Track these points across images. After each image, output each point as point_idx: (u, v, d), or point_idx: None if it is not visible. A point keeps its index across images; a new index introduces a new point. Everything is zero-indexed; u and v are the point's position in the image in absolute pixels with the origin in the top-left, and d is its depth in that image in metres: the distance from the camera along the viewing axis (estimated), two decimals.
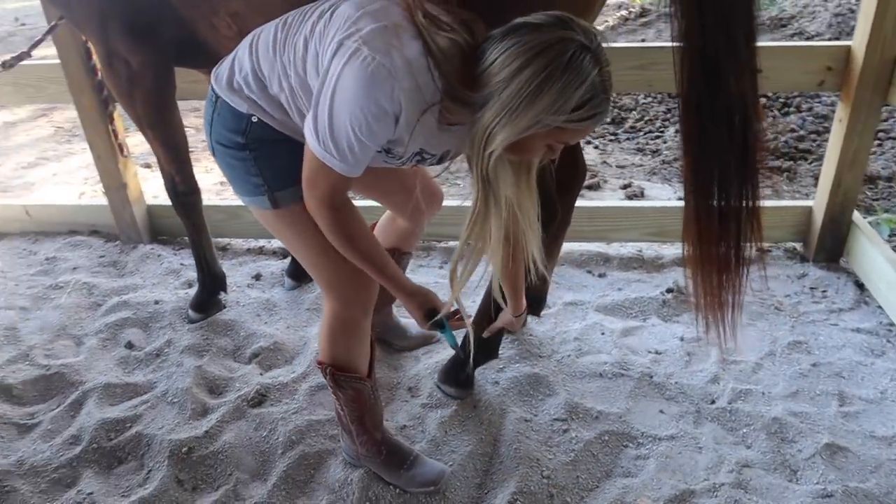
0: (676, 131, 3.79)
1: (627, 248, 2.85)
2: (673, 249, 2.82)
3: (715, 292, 1.80)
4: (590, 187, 3.35)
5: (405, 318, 2.41)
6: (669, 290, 2.53)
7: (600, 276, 2.70)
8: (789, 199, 3.20)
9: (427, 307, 1.62)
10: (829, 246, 2.62)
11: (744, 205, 1.71)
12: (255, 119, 1.47)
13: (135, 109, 2.21)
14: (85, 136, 2.80)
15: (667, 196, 3.26)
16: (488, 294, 2.00)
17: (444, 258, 2.84)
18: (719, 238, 1.74)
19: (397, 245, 2.10)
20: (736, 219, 1.72)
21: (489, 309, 1.95)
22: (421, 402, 2.15)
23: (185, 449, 2.04)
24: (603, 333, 2.37)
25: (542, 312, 2.46)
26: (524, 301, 1.86)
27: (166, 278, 2.83)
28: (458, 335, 1.85)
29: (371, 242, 1.50)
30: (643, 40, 4.75)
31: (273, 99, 1.46)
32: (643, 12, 5.06)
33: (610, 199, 3.28)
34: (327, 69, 1.30)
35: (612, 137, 3.83)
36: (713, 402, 2.09)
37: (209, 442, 2.06)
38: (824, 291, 2.53)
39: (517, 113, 1.21)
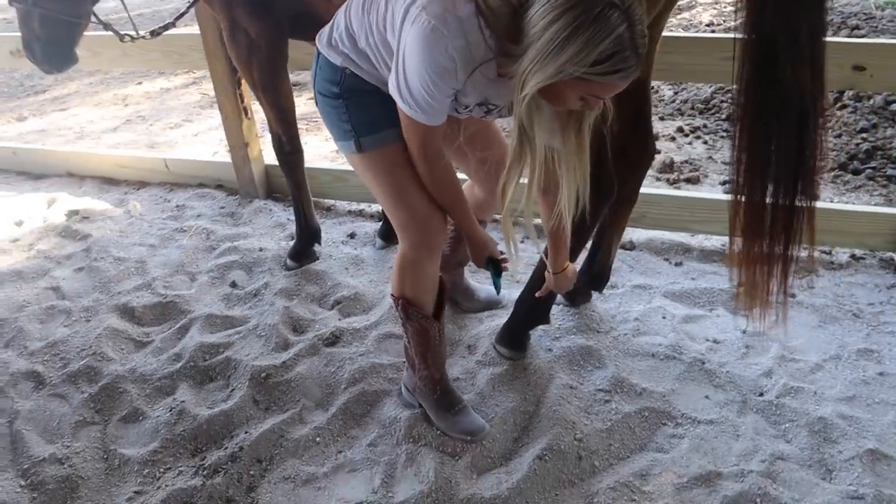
0: None
1: (711, 241, 2.83)
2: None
3: (759, 292, 1.80)
4: (689, 180, 3.33)
5: (477, 281, 2.57)
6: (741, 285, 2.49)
7: (677, 264, 2.71)
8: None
9: (487, 254, 1.89)
10: None
11: (795, 204, 1.70)
12: (348, 71, 1.69)
13: (251, 75, 2.50)
14: (216, 99, 3.17)
15: None
16: (541, 262, 2.11)
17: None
18: (765, 235, 1.73)
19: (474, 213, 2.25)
20: (785, 218, 1.71)
21: (541, 274, 2.07)
22: (476, 359, 2.30)
23: (263, 374, 2.31)
24: (664, 317, 2.40)
25: (608, 291, 2.52)
26: (566, 260, 1.98)
27: (273, 230, 3.15)
28: (510, 287, 2.09)
29: (456, 192, 1.77)
30: None
31: (362, 52, 1.67)
32: None
33: (706, 192, 3.24)
34: (400, 33, 1.52)
35: (725, 134, 3.74)
36: (761, 394, 2.08)
37: (285, 371, 2.33)
38: None
39: (546, 60, 1.34)
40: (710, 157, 3.55)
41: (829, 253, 2.69)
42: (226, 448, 2.10)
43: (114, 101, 5.02)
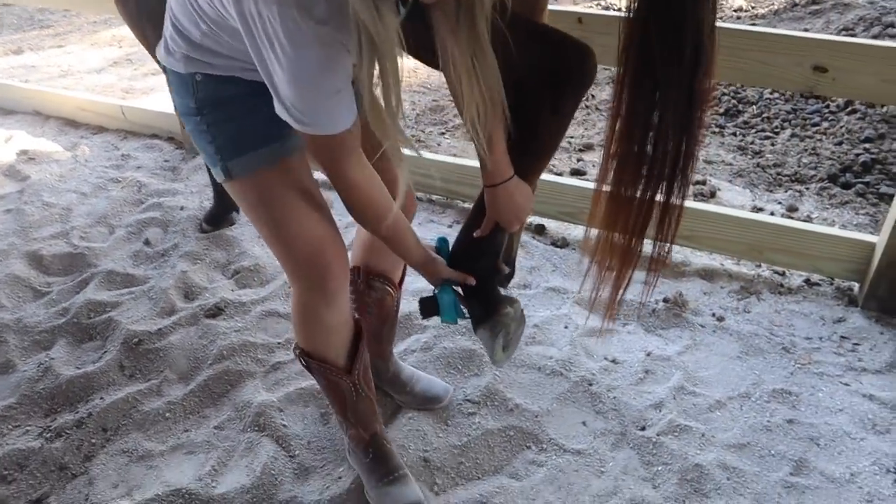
0: (792, 135, 3.29)
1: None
2: (702, 259, 2.48)
3: (616, 241, 1.59)
4: None
5: (415, 363, 2.07)
6: (666, 300, 2.23)
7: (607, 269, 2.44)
8: (856, 228, 2.64)
9: (436, 278, 1.56)
10: (884, 294, 2.14)
11: (676, 151, 1.41)
12: (198, 76, 1.32)
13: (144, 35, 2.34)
14: None
15: (741, 203, 2.85)
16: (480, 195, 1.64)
17: (458, 217, 2.73)
18: (637, 185, 1.46)
19: (366, 261, 1.78)
20: (662, 166, 1.43)
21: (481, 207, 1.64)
22: None
23: (136, 340, 2.20)
24: (566, 327, 2.16)
25: (517, 291, 2.30)
26: (508, 167, 1.49)
27: (206, 189, 3.02)
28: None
29: (387, 213, 1.35)
30: (806, 30, 4.13)
31: (201, 47, 1.30)
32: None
33: None
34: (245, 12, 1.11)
35: (717, 129, 3.40)
36: (643, 428, 1.83)
37: (158, 339, 2.21)
38: (856, 344, 2.08)
39: None
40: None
41: (783, 274, 2.38)
42: (77, 412, 2.02)
43: (109, 42, 4.97)
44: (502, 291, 1.66)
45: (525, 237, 2.58)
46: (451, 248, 1.65)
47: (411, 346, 2.11)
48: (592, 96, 3.81)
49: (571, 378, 1.97)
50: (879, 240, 2.13)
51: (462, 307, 1.61)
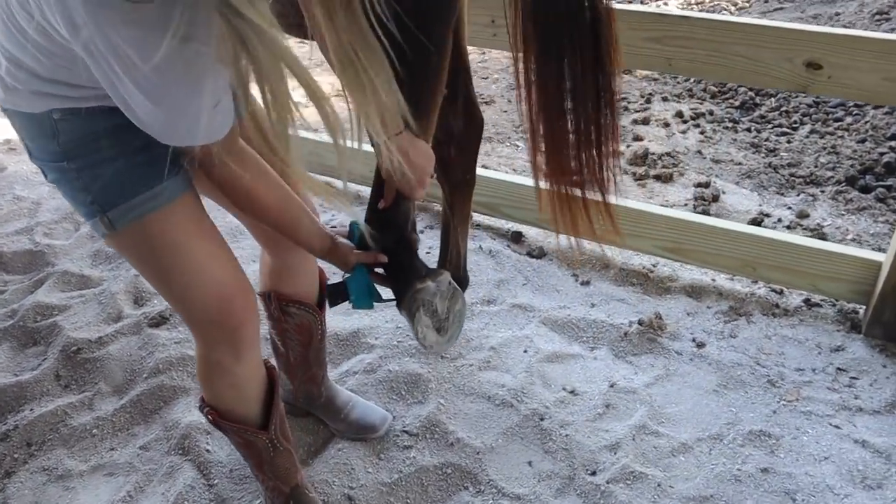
0: (811, 131, 2.98)
1: (643, 259, 2.32)
2: (691, 273, 2.24)
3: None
4: (659, 177, 2.78)
5: (350, 386, 1.90)
6: (640, 322, 2.01)
7: (583, 283, 2.23)
8: (871, 238, 2.35)
9: (346, 263, 1.40)
10: (890, 320, 1.88)
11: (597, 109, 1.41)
12: (56, 115, 1.08)
13: None
14: None
15: (746, 208, 2.59)
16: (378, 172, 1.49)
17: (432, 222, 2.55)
18: (567, 142, 1.45)
19: (276, 287, 1.59)
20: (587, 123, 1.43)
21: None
22: None
23: (75, 348, 2.10)
24: (526, 351, 1.96)
25: (480, 308, 2.11)
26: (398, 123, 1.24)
27: None
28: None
29: (276, 195, 1.25)
30: (838, 14, 3.77)
31: (52, 80, 1.05)
32: None
33: (674, 194, 2.69)
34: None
35: (730, 125, 3.12)
36: (594, 472, 1.63)
37: (98, 347, 2.10)
38: (854, 378, 1.83)
39: None
40: (699, 152, 2.96)
41: (780, 293, 2.13)
42: (6, 423, 1.93)
43: None
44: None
45: (498, 245, 2.38)
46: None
47: (353, 368, 1.95)
48: None
49: (522, 411, 1.78)
50: (886, 258, 1.87)
51: (378, 291, 1.43)
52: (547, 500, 1.58)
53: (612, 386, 1.84)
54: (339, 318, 2.14)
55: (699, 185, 2.71)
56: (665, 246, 2.20)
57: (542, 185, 1.55)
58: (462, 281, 1.99)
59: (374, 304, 1.43)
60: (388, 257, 1.38)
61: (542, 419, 1.76)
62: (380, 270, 1.44)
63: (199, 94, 0.95)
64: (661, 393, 1.82)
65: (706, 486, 1.58)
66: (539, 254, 2.34)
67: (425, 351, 1.43)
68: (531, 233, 2.45)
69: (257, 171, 1.22)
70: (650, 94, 3.43)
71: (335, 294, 1.40)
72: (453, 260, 1.93)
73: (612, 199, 1.52)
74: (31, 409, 1.95)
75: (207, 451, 1.77)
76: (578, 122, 1.43)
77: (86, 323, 2.21)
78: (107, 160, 1.11)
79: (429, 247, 2.39)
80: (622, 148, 3.00)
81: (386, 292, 1.42)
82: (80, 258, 2.53)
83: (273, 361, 1.54)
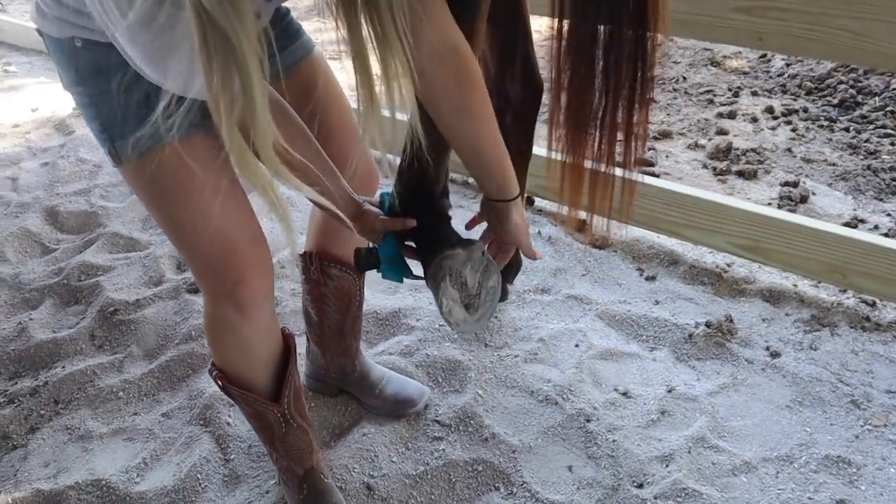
0: None
1: (717, 258, 2.10)
2: (770, 277, 2.01)
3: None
4: (742, 173, 2.54)
5: (386, 362, 1.78)
6: (708, 325, 1.80)
7: (648, 278, 2.03)
8: None
9: (372, 230, 1.25)
10: None
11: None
12: (77, 42, 1.08)
13: None
14: None
15: (838, 212, 2.32)
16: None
17: None
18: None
19: (321, 245, 1.52)
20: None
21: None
22: None
23: (112, 309, 2.06)
24: (577, 346, 1.79)
25: (533, 296, 1.95)
26: (509, 185, 1.23)
27: None
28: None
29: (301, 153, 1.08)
30: None
31: (69, 7, 1.06)
32: None
33: (757, 192, 2.45)
34: None
35: (826, 123, 2.84)
36: (640, 485, 1.45)
37: (134, 310, 2.06)
38: None
39: None
40: (789, 150, 2.70)
41: (872, 305, 1.88)
42: (37, 379, 1.90)
43: None
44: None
45: (559, 232, 2.21)
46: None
47: (390, 349, 1.82)
48: (684, 78, 3.32)
49: (567, 409, 1.61)
50: None
51: (409, 266, 1.29)
52: None
53: (670, 391, 1.65)
54: (380, 297, 2.02)
55: (786, 183, 2.46)
56: (742, 244, 1.98)
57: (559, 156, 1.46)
58: (513, 265, 1.84)
59: (404, 279, 1.30)
60: (418, 224, 1.24)
61: (588, 420, 1.59)
62: (411, 245, 1.30)
63: (177, 53, 0.87)
64: (725, 403, 1.61)
65: None
66: (603, 244, 2.16)
67: (452, 330, 1.27)
68: (596, 223, 2.26)
69: (286, 122, 1.11)
70: (738, 87, 3.17)
71: (365, 259, 1.27)
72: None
73: (634, 176, 1.43)
74: (63, 367, 1.91)
75: (228, 423, 1.68)
76: (607, 83, 1.32)
77: (127, 285, 2.18)
78: (117, 92, 1.06)
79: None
80: (703, 141, 2.78)
81: (417, 268, 1.28)
82: (131, 221, 2.51)
83: (295, 342, 1.41)
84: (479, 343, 1.81)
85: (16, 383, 1.90)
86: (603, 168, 1.49)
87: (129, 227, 2.47)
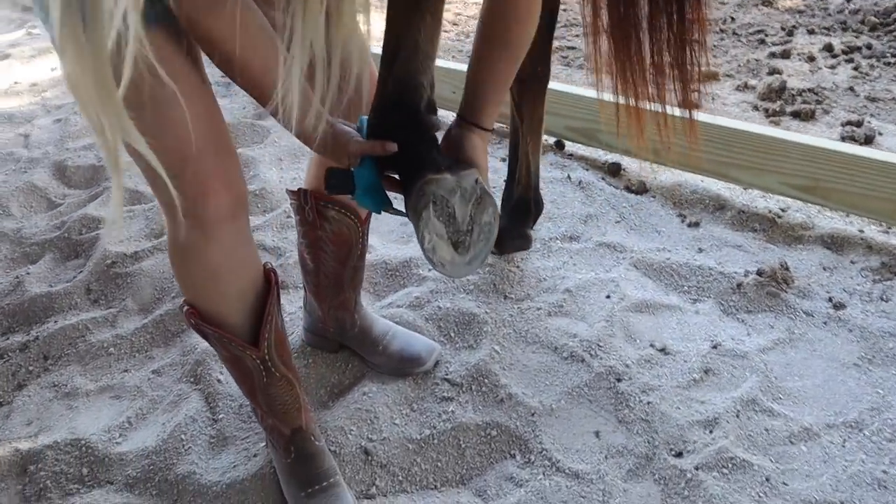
0: None
1: (769, 202, 1.86)
2: (831, 221, 1.76)
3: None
4: (797, 114, 2.27)
5: (392, 316, 1.59)
6: (760, 273, 1.57)
7: (691, 225, 1.81)
8: None
9: (347, 154, 1.07)
10: None
11: None
12: None
13: None
14: None
15: None
16: None
17: None
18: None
19: (317, 184, 1.33)
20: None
21: None
22: None
23: (109, 261, 1.94)
24: (608, 297, 1.58)
25: (560, 244, 1.74)
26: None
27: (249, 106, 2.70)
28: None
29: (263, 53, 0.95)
30: None
31: None
32: None
33: (815, 133, 2.18)
34: None
35: (893, 60, 2.53)
36: (679, 454, 1.25)
37: (132, 262, 1.94)
38: None
39: None
40: (851, 89, 2.41)
41: None
42: (28, 334, 1.79)
43: None
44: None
45: (591, 177, 1.99)
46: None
47: (398, 301, 1.65)
48: (732, 18, 3.03)
49: (595, 367, 1.41)
50: None
51: (390, 198, 1.09)
52: (613, 482, 1.22)
53: (715, 347, 1.43)
54: (391, 247, 1.84)
55: (849, 123, 2.19)
56: (798, 184, 1.73)
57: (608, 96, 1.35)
58: (532, 205, 1.64)
59: (383, 211, 1.10)
60: (400, 147, 1.05)
61: (619, 380, 1.39)
62: (395, 178, 1.11)
63: None
64: (780, 361, 1.39)
65: (834, 489, 1.16)
66: (640, 189, 1.94)
67: (437, 271, 1.05)
68: (634, 166, 2.04)
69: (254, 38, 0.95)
70: (793, 26, 2.88)
71: (337, 180, 1.07)
72: (522, 179, 1.58)
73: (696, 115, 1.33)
74: (56, 322, 1.79)
75: (219, 381, 1.53)
76: (650, 23, 1.25)
77: (127, 238, 2.05)
78: None
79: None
80: (753, 82, 2.51)
81: (401, 202, 1.09)
82: (139, 174, 2.36)
83: (277, 278, 1.24)
84: (497, 294, 1.63)
85: (7, 338, 1.79)
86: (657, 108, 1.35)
87: (136, 180, 2.34)
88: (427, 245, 0.97)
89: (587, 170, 2.03)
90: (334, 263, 1.40)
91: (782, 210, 1.82)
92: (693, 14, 1.24)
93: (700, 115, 1.92)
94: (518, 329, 1.53)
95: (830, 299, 1.52)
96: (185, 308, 1.15)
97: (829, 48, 2.64)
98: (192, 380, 1.56)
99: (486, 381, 1.42)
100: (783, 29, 2.86)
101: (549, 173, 2.04)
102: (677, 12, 1.23)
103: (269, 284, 1.16)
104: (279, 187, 2.15)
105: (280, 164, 2.29)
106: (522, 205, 1.65)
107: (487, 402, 1.39)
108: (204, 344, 1.63)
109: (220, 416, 1.46)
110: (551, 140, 2.17)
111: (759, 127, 1.83)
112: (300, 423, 1.27)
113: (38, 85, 3.22)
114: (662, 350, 1.45)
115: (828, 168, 1.66)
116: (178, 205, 1.02)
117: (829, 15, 2.92)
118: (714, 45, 2.85)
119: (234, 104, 2.71)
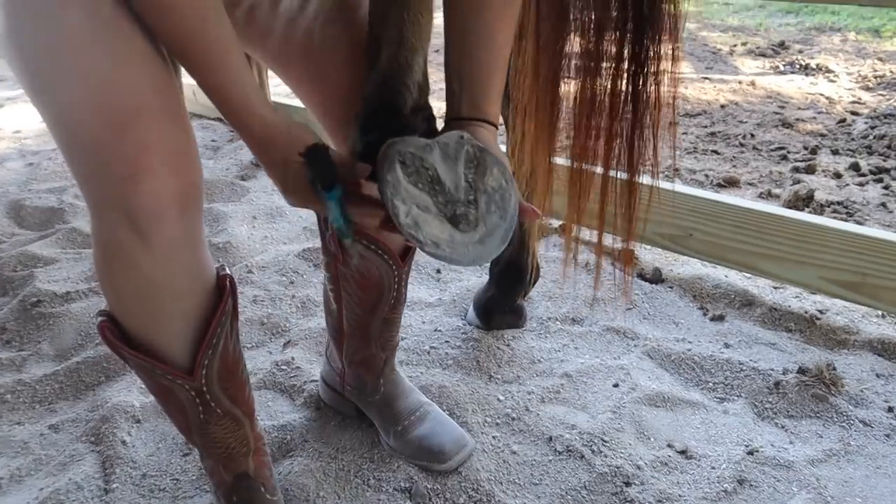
0: None
1: (806, 301, 1.60)
2: (880, 327, 1.50)
3: None
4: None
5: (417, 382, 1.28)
6: (803, 371, 1.29)
7: (714, 318, 1.54)
8: None
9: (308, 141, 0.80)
10: None
11: None
12: None
13: None
14: None
15: None
16: None
17: None
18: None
19: None
20: None
21: None
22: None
23: (34, 300, 1.69)
24: (617, 385, 1.29)
25: (560, 326, 1.48)
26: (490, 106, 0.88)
27: (235, 163, 2.52)
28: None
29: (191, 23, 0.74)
30: None
31: None
32: None
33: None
34: None
35: None
36: None
37: (61, 303, 1.69)
38: None
39: None
40: (883, 205, 2.22)
41: None
42: None
43: None
44: None
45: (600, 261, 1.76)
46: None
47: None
48: (752, 135, 2.92)
49: (598, 466, 1.11)
50: None
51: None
52: None
53: (751, 453, 1.13)
54: None
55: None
56: (840, 279, 1.49)
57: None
58: (525, 269, 1.40)
59: (351, 233, 0.80)
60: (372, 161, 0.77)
61: (627, 484, 1.07)
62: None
63: None
64: (835, 477, 1.09)
65: None
66: (655, 277, 1.69)
67: (436, 257, 0.74)
68: (645, 256, 1.81)
69: None
70: (816, 146, 2.75)
71: (319, 167, 0.79)
72: (514, 236, 1.34)
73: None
74: None
75: (124, 442, 1.23)
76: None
77: (64, 278, 1.79)
78: None
79: None
80: (777, 190, 2.33)
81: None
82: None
83: (234, 284, 0.95)
84: (480, 373, 1.34)
85: None
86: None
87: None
88: (405, 220, 0.71)
89: (593, 252, 1.80)
90: (359, 310, 1.10)
91: (820, 311, 1.56)
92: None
93: (723, 196, 1.72)
94: (502, 414, 1.24)
95: (891, 409, 1.23)
96: (100, 319, 0.86)
97: (855, 167, 2.49)
98: (91, 439, 1.25)
99: (459, 479, 1.11)
100: (805, 148, 2.74)
101: (552, 253, 1.81)
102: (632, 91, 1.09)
103: (222, 297, 0.87)
104: (247, 244, 1.91)
105: (253, 223, 2.07)
106: (514, 269, 1.40)
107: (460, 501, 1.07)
108: (120, 398, 1.33)
109: (115, 485, 1.14)
110: (556, 223, 1.96)
111: (796, 213, 1.61)
112: (245, 468, 0.96)
113: (21, 132, 3.07)
114: (683, 452, 1.14)
115: (878, 259, 1.42)
116: (103, 190, 0.76)
117: (853, 139, 2.81)
118: (734, 157, 2.71)
119: (217, 165, 2.53)
